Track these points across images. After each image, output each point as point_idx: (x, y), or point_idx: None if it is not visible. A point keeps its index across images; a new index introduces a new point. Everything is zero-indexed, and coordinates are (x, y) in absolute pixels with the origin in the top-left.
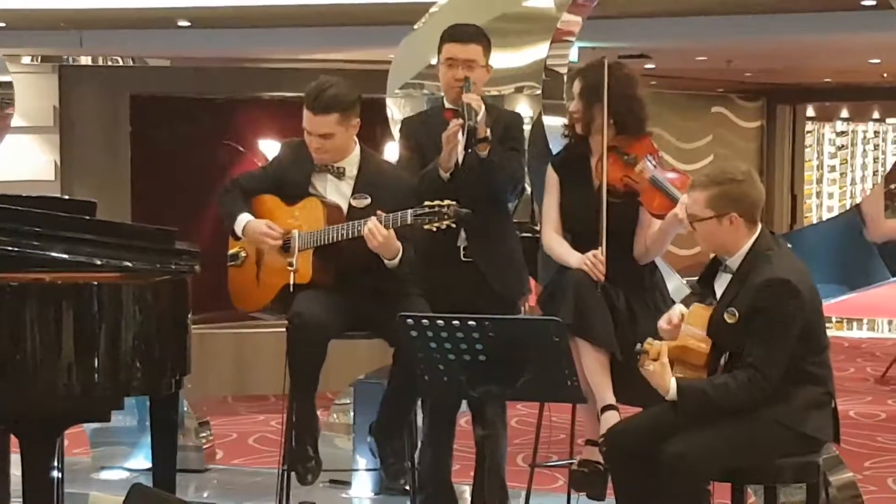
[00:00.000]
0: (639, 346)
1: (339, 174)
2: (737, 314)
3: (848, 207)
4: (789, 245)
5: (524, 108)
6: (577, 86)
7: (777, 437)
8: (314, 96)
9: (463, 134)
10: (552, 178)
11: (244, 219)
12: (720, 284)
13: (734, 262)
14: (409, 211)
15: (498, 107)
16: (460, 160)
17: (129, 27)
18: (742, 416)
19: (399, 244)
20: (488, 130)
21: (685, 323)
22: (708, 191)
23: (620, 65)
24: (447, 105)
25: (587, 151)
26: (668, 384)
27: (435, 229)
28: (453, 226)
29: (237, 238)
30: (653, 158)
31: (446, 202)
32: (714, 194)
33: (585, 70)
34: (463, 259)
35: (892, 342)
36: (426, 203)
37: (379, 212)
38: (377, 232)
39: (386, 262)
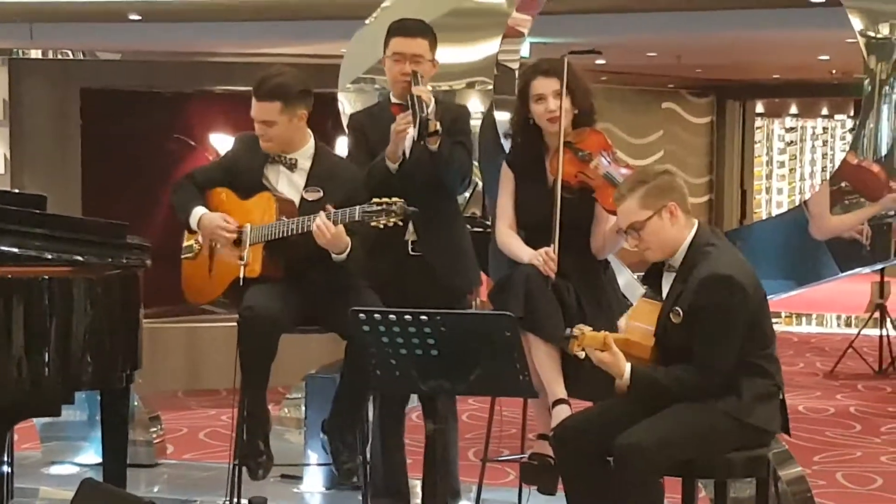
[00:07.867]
0: (568, 330)
1: (291, 166)
2: (681, 313)
3: (797, 203)
4: (731, 241)
5: (475, 103)
6: (553, 84)
7: (726, 428)
8: (260, 83)
9: (414, 126)
10: (507, 174)
11: (199, 211)
12: (666, 283)
13: (676, 259)
14: (358, 208)
15: (445, 101)
16: (408, 152)
17: (80, 20)
18: (692, 408)
19: (348, 239)
20: (438, 124)
21: (629, 318)
22: (636, 193)
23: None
24: (393, 100)
25: (542, 148)
26: (623, 369)
27: (382, 226)
28: (400, 223)
29: (192, 231)
30: (607, 154)
31: (394, 199)
32: (644, 193)
33: (555, 67)
34: (411, 253)
35: (840, 337)
36: (374, 200)
37: (328, 206)
38: (325, 229)
39: (333, 256)
